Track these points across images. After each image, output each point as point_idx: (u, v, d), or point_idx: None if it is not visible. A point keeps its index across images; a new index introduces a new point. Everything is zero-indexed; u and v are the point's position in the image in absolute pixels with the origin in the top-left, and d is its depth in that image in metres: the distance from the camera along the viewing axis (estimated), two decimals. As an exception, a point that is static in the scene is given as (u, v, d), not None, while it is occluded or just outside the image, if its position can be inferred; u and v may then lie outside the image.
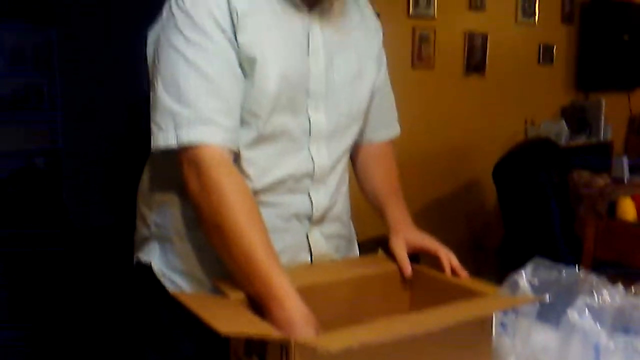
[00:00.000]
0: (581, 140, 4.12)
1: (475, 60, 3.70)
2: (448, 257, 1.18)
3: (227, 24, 1.04)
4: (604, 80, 4.43)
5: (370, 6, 1.34)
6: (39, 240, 2.90)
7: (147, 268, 1.24)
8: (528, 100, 4.05)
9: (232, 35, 1.05)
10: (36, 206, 2.88)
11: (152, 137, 1.08)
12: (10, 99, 5.27)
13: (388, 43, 3.32)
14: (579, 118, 4.28)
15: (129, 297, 1.35)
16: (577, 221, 2.71)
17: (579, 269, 0.96)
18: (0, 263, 2.68)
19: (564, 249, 2.74)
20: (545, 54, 4.13)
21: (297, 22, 1.13)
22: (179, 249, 1.20)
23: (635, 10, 4.50)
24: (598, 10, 4.23)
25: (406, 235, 1.24)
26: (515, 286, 0.98)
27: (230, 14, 1.04)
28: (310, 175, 1.18)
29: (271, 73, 1.07)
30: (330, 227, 1.26)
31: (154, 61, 1.11)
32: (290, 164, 1.15)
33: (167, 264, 1.22)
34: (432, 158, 3.54)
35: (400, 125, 1.42)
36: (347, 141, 1.25)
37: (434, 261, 1.20)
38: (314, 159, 1.18)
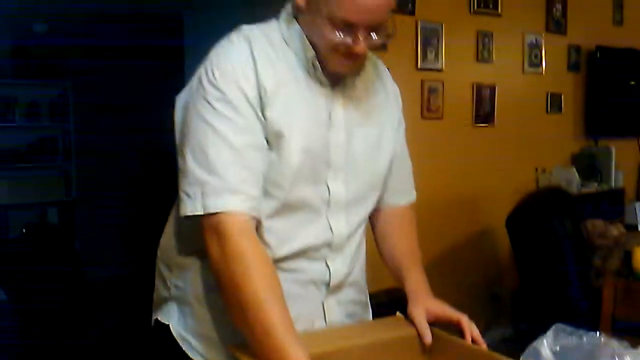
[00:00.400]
0: (592, 187, 4.11)
1: (484, 110, 3.74)
2: (470, 326, 1.17)
3: (255, 99, 1.08)
4: (613, 127, 4.45)
5: (389, 74, 1.36)
6: (52, 295, 2.91)
7: (166, 328, 1.25)
8: (538, 148, 4.07)
9: (259, 110, 1.08)
10: (49, 261, 2.89)
11: (180, 204, 1.10)
12: (26, 152, 5.36)
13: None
14: (589, 165, 4.28)
15: (146, 354, 1.35)
16: (593, 271, 2.69)
17: (599, 334, 0.96)
18: (14, 320, 2.68)
19: (580, 298, 2.71)
20: (554, 103, 4.17)
21: (321, 97, 1.16)
22: (198, 313, 1.21)
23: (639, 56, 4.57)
24: (604, 58, 4.29)
25: (426, 304, 1.24)
26: (537, 355, 0.97)
27: (259, 89, 1.08)
28: (329, 245, 1.20)
29: (295, 147, 1.10)
30: (347, 294, 1.27)
31: (182, 128, 1.15)
32: (309, 234, 1.17)
33: (186, 327, 1.23)
34: (444, 207, 3.54)
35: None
36: (365, 210, 1.27)
37: (449, 328, 1.19)
38: (333, 229, 1.19)
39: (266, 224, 1.13)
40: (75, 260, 3.15)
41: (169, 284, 1.26)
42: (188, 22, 4.70)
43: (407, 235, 1.37)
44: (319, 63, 1.14)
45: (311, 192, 1.15)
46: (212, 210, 1.05)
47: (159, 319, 1.28)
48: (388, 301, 3.06)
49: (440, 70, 3.47)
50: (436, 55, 3.45)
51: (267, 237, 1.13)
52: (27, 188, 5.34)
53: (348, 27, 1.06)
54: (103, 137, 5.44)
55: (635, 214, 4.35)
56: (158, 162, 5.42)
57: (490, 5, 3.69)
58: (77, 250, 5.26)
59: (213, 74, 1.08)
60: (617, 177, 4.31)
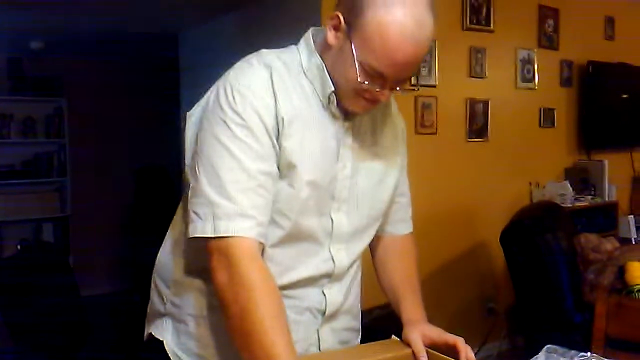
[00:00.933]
0: (586, 201, 4.13)
1: (477, 125, 3.76)
2: (465, 348, 1.18)
3: (272, 128, 1.08)
4: (606, 140, 4.49)
5: (396, 107, 1.36)
6: (48, 310, 2.90)
7: (160, 343, 1.25)
8: (531, 163, 4.10)
9: (275, 139, 1.09)
10: (43, 278, 2.89)
11: (190, 224, 1.10)
12: (21, 168, 5.37)
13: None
14: (582, 179, 4.30)
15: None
16: (585, 285, 2.70)
17: (590, 354, 0.96)
18: (9, 335, 2.67)
19: (574, 313, 2.72)
20: (546, 117, 4.20)
21: (331, 130, 1.16)
22: (193, 332, 1.21)
23: (631, 70, 4.61)
24: (596, 72, 4.33)
25: (423, 328, 1.24)
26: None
27: (277, 119, 1.09)
28: (329, 275, 1.21)
29: (305, 178, 1.11)
30: (341, 322, 1.28)
31: (195, 147, 1.13)
32: (311, 265, 1.18)
33: (180, 345, 1.23)
34: (439, 222, 3.55)
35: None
36: (365, 241, 1.29)
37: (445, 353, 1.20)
38: (335, 260, 1.20)
39: (269, 252, 1.14)
40: (69, 276, 3.14)
41: (165, 300, 1.26)
42: (182, 40, 4.74)
43: (405, 263, 1.38)
44: (335, 97, 1.14)
45: (315, 223, 1.16)
46: (222, 234, 1.04)
47: (153, 333, 1.28)
48: (383, 315, 3.07)
49: (433, 86, 3.50)
50: (429, 71, 3.48)
51: (269, 265, 1.12)
52: (22, 204, 5.34)
53: (379, 76, 1.06)
54: (98, 152, 5.46)
55: (629, 227, 4.38)
56: (153, 177, 5.44)
57: (483, 22, 3.73)
58: (72, 265, 5.26)
59: (233, 97, 1.07)
60: (611, 191, 4.34)
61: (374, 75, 1.06)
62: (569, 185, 4.04)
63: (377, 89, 1.08)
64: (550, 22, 4.18)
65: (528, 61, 4.05)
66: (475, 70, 3.72)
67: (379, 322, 3.03)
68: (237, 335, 1.05)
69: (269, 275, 1.07)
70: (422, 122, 3.47)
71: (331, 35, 1.10)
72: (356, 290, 1.33)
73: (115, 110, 5.54)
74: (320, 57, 1.14)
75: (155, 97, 5.08)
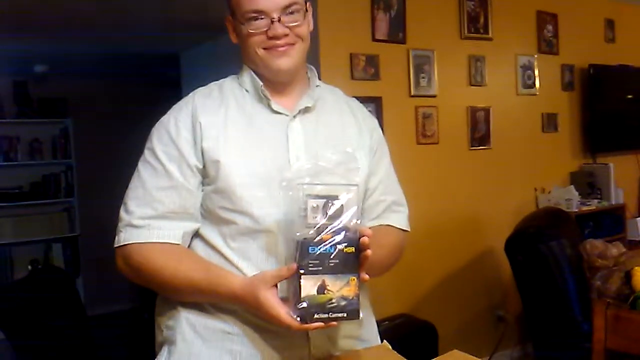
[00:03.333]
0: (593, 205, 4.11)
1: (479, 133, 3.76)
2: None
3: (187, 142, 1.23)
4: (611, 143, 4.47)
5: (364, 108, 1.46)
6: (54, 332, 2.92)
7: None
8: (536, 168, 4.08)
9: (192, 146, 1.23)
10: (51, 301, 2.91)
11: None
12: (29, 190, 5.41)
13: (393, 122, 3.41)
14: (588, 183, 4.28)
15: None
16: (592, 292, 2.68)
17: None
18: (15, 358, 2.69)
19: (582, 320, 2.70)
20: (549, 122, 4.19)
21: (276, 125, 1.27)
22: (180, 350, 1.25)
23: (633, 72, 4.59)
24: (597, 75, 4.32)
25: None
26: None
27: (194, 125, 1.24)
28: None
29: (237, 172, 1.20)
30: (340, 328, 1.28)
31: None
32: (283, 255, 1.21)
33: None
34: (446, 232, 3.55)
35: (409, 222, 1.46)
36: None
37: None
38: None
39: (235, 247, 1.23)
40: (76, 299, 3.16)
41: (162, 327, 1.31)
42: (184, 59, 4.78)
43: (383, 243, 1.33)
44: (272, 92, 1.28)
45: (276, 215, 1.20)
46: (122, 243, 1.23)
47: None
48: (392, 327, 3.06)
49: (433, 96, 3.50)
50: (429, 81, 3.48)
51: (238, 262, 1.22)
52: (31, 225, 5.38)
53: (260, 15, 1.21)
54: (105, 172, 5.49)
55: (637, 229, 4.35)
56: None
57: (481, 30, 3.74)
58: (82, 283, 5.28)
59: (152, 133, 1.29)
60: (617, 194, 4.31)
61: (255, 17, 1.21)
62: (574, 190, 4.02)
63: (266, 27, 1.21)
64: (550, 27, 4.18)
65: (528, 67, 4.05)
66: (476, 79, 3.72)
67: (388, 335, 3.03)
68: (167, 292, 1.26)
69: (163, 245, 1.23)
70: (424, 132, 3.47)
71: (232, 36, 1.31)
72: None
73: (120, 129, 5.58)
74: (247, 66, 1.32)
75: (158, 115, 5.07)
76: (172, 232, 1.23)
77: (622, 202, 4.34)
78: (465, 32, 3.66)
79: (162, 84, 5.42)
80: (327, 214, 1.06)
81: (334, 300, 1.04)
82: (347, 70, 3.12)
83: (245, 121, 1.26)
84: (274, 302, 1.08)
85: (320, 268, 1.04)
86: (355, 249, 1.06)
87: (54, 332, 2.80)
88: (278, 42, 1.22)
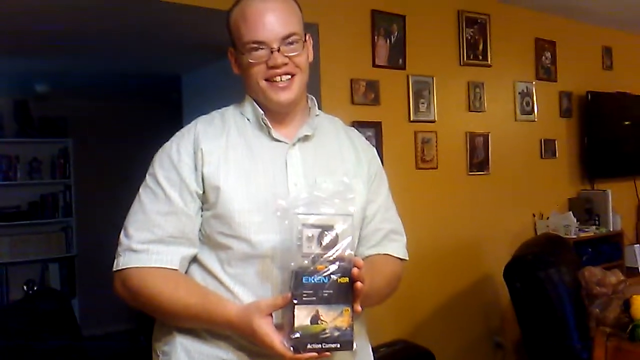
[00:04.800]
0: (591, 231, 4.11)
1: (478, 158, 3.77)
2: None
3: (188, 168, 1.25)
4: (609, 170, 4.49)
5: (363, 138, 1.48)
6: (50, 352, 2.90)
7: None
8: (534, 194, 4.09)
9: (193, 173, 1.25)
10: (46, 323, 2.89)
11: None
12: (27, 209, 5.40)
13: (392, 147, 3.42)
14: (586, 209, 4.29)
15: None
16: (591, 320, 2.67)
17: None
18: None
19: (580, 349, 2.68)
20: (547, 148, 4.21)
21: (276, 152, 1.29)
22: None
23: (631, 99, 4.63)
24: (595, 102, 4.36)
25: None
26: None
27: (195, 151, 1.26)
28: None
29: (236, 198, 1.22)
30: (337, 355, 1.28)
31: None
32: (278, 281, 1.21)
33: None
34: (444, 257, 3.54)
35: (407, 250, 1.46)
36: None
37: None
38: None
39: (231, 272, 1.24)
40: (72, 318, 3.14)
41: (158, 353, 1.32)
42: (186, 81, 4.81)
43: (379, 271, 1.33)
44: (272, 122, 1.30)
45: (274, 241, 1.21)
46: (121, 267, 1.25)
47: None
48: (390, 354, 3.04)
49: (432, 121, 3.53)
50: (428, 106, 3.51)
51: (234, 287, 1.23)
52: (28, 245, 5.36)
53: (261, 45, 1.24)
54: (103, 192, 5.49)
55: (635, 256, 4.35)
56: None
57: (480, 57, 3.78)
58: (77, 305, 5.25)
59: (154, 159, 1.30)
60: (615, 221, 4.32)
61: (256, 47, 1.24)
62: (572, 216, 4.02)
63: (266, 57, 1.24)
64: (548, 54, 4.22)
65: (527, 93, 4.08)
66: (474, 105, 3.75)
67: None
68: (166, 318, 1.26)
69: (161, 271, 1.24)
70: (423, 157, 3.48)
71: (234, 66, 1.33)
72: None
73: (119, 150, 5.59)
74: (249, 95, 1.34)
75: (158, 137, 5.07)
76: (170, 257, 1.24)
77: (620, 228, 4.35)
78: (465, 58, 3.70)
79: (163, 105, 5.45)
80: (321, 243, 1.07)
81: (327, 331, 1.04)
82: (348, 95, 3.15)
83: (246, 148, 1.28)
84: (268, 330, 1.09)
85: (314, 298, 1.05)
86: (349, 280, 1.07)
87: (50, 353, 2.78)
88: (278, 71, 1.25)
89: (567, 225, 3.96)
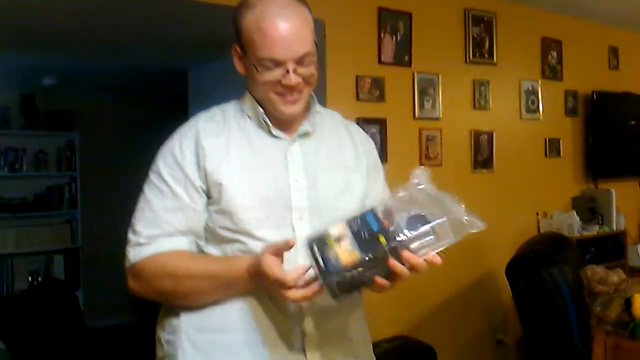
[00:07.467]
0: (594, 230, 4.12)
1: (482, 156, 3.78)
2: None
3: (191, 163, 1.26)
4: (613, 169, 4.49)
5: (361, 130, 1.50)
6: (55, 343, 2.93)
7: None
8: (538, 192, 4.10)
9: (196, 168, 1.26)
10: (53, 311, 2.92)
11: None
12: (33, 201, 5.43)
13: (397, 144, 3.42)
14: (590, 208, 4.29)
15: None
16: (592, 319, 2.68)
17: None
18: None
19: (582, 347, 2.69)
20: (552, 147, 4.21)
21: (276, 149, 1.30)
22: None
23: (636, 99, 4.63)
24: (600, 101, 4.35)
25: None
26: None
27: (197, 149, 1.27)
28: None
29: (239, 194, 1.23)
30: (337, 347, 1.30)
31: None
32: None
33: None
34: (446, 254, 3.54)
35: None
36: None
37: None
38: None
39: None
40: (76, 311, 3.17)
41: (162, 342, 1.33)
42: (192, 75, 4.83)
43: None
44: (272, 119, 1.30)
45: (275, 234, 1.22)
46: (132, 261, 1.27)
47: None
48: (391, 349, 3.06)
49: (437, 119, 3.54)
50: (433, 104, 3.52)
51: None
52: (33, 236, 5.39)
53: (276, 64, 1.22)
54: (109, 185, 5.52)
55: (638, 255, 4.36)
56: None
57: (486, 55, 3.78)
58: (82, 296, 5.28)
59: (157, 156, 1.31)
60: (619, 220, 4.32)
61: (271, 66, 1.22)
62: (576, 215, 4.03)
63: (280, 74, 1.22)
64: (554, 53, 4.22)
65: (532, 92, 4.08)
66: (480, 103, 3.76)
67: (387, 357, 3.02)
68: (187, 299, 1.26)
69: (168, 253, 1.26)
70: (427, 154, 3.49)
71: (239, 65, 1.30)
72: (351, 315, 1.35)
73: (125, 143, 5.62)
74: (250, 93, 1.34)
75: (164, 131, 5.09)
76: (180, 243, 1.27)
77: (623, 228, 4.35)
78: (470, 56, 3.70)
79: (169, 100, 5.46)
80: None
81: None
82: (353, 91, 3.16)
83: (247, 144, 1.29)
84: (271, 263, 1.11)
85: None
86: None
87: (54, 344, 2.81)
88: (288, 93, 1.25)
89: (571, 224, 3.97)
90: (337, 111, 1.50)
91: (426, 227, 1.08)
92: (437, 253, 1.13)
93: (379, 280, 1.10)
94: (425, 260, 1.12)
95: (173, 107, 5.09)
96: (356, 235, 1.08)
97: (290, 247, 1.13)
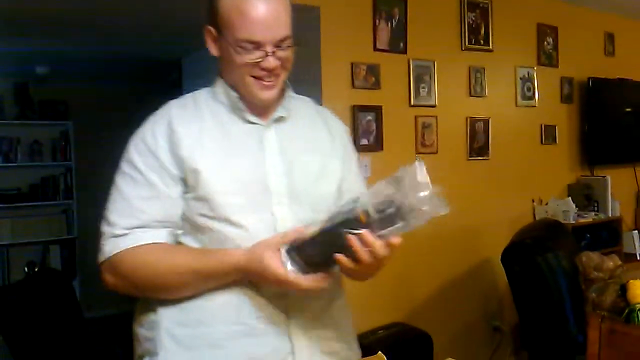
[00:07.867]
0: (589, 217, 4.13)
1: (478, 143, 3.78)
2: None
3: (164, 148, 1.24)
4: (609, 156, 4.49)
5: (334, 115, 1.49)
6: (52, 333, 2.92)
7: None
8: (534, 179, 4.10)
9: (170, 154, 1.23)
10: (49, 301, 2.91)
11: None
12: (29, 191, 5.42)
13: (392, 131, 3.41)
14: (585, 195, 4.30)
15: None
16: (588, 305, 2.69)
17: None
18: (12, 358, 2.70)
19: (577, 333, 2.71)
20: (548, 134, 4.21)
21: (252, 134, 1.28)
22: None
23: (632, 86, 4.62)
24: (596, 88, 4.35)
25: None
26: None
27: (169, 134, 1.24)
28: None
29: (217, 180, 1.21)
30: (324, 342, 1.28)
31: None
32: None
33: None
34: (443, 241, 3.56)
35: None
36: None
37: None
38: None
39: None
40: (73, 300, 3.17)
41: (141, 339, 1.30)
42: (186, 65, 4.80)
43: None
44: (247, 104, 1.28)
45: (255, 220, 1.22)
46: (107, 255, 1.23)
47: None
48: (387, 336, 3.07)
49: (433, 106, 3.53)
50: (429, 91, 3.50)
51: None
52: (29, 227, 5.38)
53: (255, 46, 1.20)
54: (104, 175, 5.50)
55: (634, 242, 4.38)
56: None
57: (482, 42, 3.77)
58: (78, 286, 5.28)
59: (129, 146, 1.28)
60: (614, 207, 4.33)
61: (250, 47, 1.20)
62: (571, 202, 4.04)
63: (260, 59, 1.21)
64: (550, 39, 4.21)
65: (528, 79, 4.08)
66: (475, 90, 3.75)
67: (383, 343, 3.03)
68: (168, 291, 1.22)
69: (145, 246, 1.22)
70: (423, 142, 3.48)
71: (212, 48, 1.28)
72: (335, 302, 1.34)
73: (120, 132, 5.58)
74: (222, 78, 1.31)
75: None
76: (159, 235, 1.24)
77: (619, 214, 4.36)
78: (466, 43, 3.69)
79: (163, 88, 5.42)
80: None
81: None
82: (348, 78, 3.14)
83: (221, 130, 1.27)
84: (279, 263, 1.10)
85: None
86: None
87: (51, 334, 2.80)
88: (268, 72, 1.24)
89: (566, 211, 3.98)
90: (331, 98, 1.49)
91: (391, 210, 1.07)
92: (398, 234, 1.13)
93: (340, 257, 1.09)
94: (387, 242, 1.11)
95: (168, 96, 5.06)
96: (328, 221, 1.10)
97: (297, 235, 1.12)
